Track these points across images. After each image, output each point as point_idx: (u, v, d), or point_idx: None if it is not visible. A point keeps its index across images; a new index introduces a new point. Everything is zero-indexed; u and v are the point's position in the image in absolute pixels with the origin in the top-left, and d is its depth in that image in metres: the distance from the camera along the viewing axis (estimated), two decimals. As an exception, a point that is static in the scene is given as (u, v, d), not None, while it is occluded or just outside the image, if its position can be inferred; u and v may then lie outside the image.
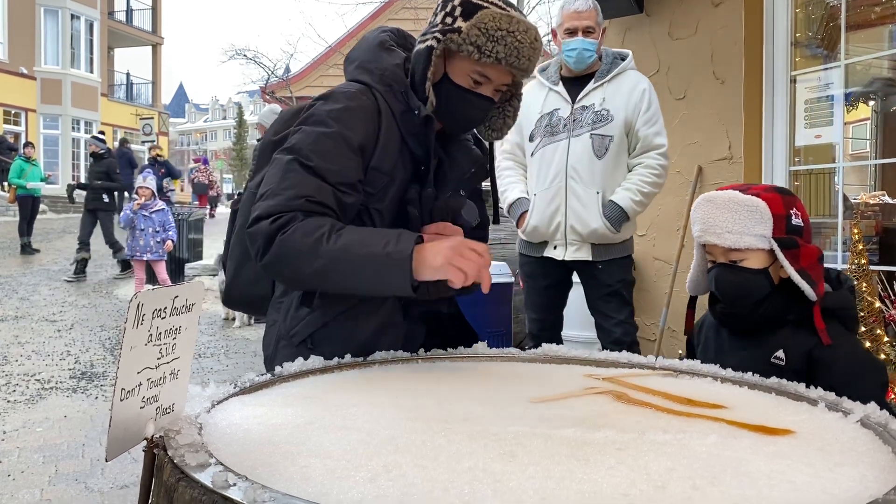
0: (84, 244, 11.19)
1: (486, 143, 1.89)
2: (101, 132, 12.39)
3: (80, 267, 11.18)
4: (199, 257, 11.10)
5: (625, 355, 1.68)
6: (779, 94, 4.33)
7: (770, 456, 1.03)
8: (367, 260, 1.49)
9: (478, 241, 1.57)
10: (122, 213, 8.55)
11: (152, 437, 0.99)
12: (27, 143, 14.88)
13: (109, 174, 11.29)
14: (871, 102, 6.54)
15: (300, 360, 1.54)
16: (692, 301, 2.06)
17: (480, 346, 1.76)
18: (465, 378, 1.51)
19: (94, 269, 12.21)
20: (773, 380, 1.45)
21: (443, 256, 1.48)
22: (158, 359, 0.99)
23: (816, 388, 1.54)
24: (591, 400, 1.35)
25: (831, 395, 1.34)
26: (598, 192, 3.41)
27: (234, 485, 0.84)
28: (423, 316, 1.82)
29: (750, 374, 1.51)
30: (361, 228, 1.59)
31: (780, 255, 1.76)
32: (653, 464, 0.98)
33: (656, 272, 4.93)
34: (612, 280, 3.50)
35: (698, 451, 1.04)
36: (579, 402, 1.33)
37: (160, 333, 0.98)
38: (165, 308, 0.98)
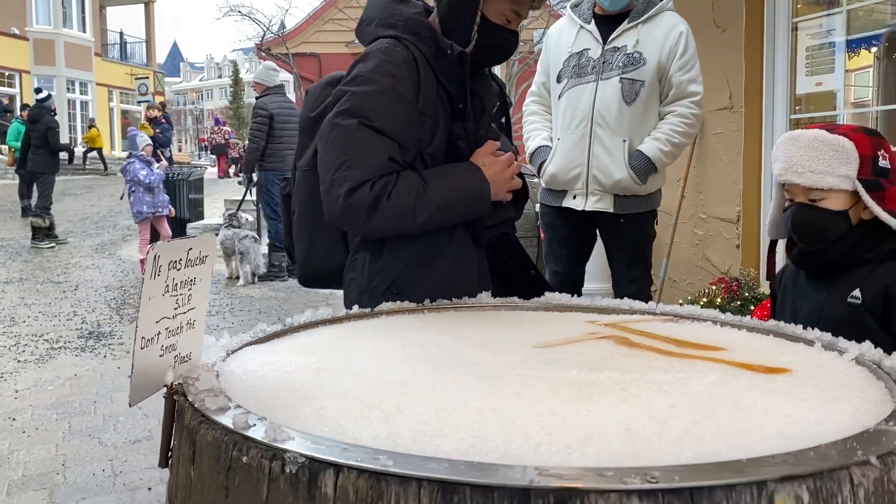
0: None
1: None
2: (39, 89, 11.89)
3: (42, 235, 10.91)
4: (201, 217, 11.12)
5: (626, 302, 1.72)
6: (780, 42, 4.30)
7: (767, 392, 1.07)
8: (460, 200, 1.76)
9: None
10: (152, 173, 8.40)
11: (172, 384, 1.03)
12: (24, 106, 14.79)
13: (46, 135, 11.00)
14: (874, 49, 6.48)
15: (310, 311, 1.57)
16: (772, 245, 2.01)
17: (484, 296, 1.79)
18: (471, 326, 1.54)
19: (96, 230, 12.25)
20: (771, 322, 1.49)
21: (501, 175, 1.80)
22: (175, 309, 1.02)
23: (892, 325, 1.62)
24: (594, 344, 1.38)
25: (827, 336, 1.38)
26: (624, 141, 3.23)
27: (254, 425, 0.87)
28: (494, 241, 1.95)
29: (749, 318, 1.54)
30: (437, 173, 1.78)
31: (866, 196, 1.71)
32: (654, 401, 1.02)
33: (657, 223, 4.94)
34: (633, 236, 3.37)
35: (698, 390, 1.08)
36: (582, 347, 1.36)
37: (176, 284, 1.01)
38: (180, 260, 1.01)
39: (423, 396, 1.04)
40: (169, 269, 0.98)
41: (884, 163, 1.76)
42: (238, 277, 8.13)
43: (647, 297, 3.43)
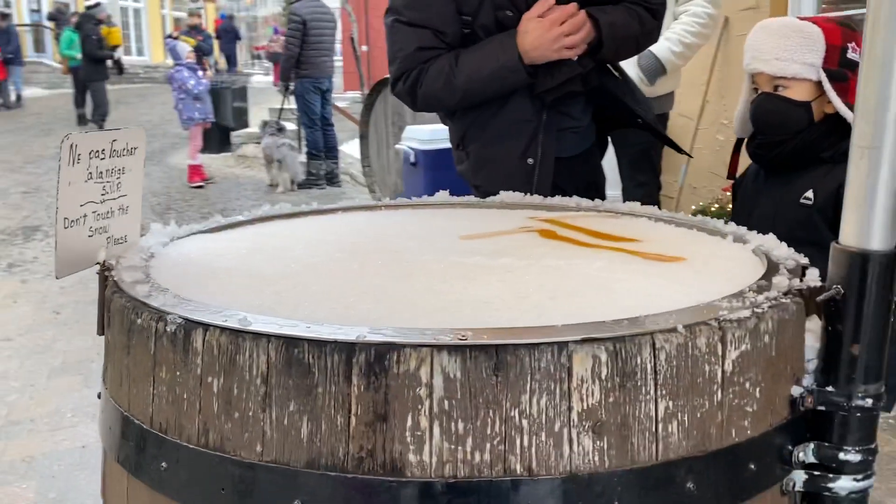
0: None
1: None
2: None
3: None
4: (245, 125, 11.29)
5: (574, 200, 1.78)
6: (810, -63, 4.13)
7: (645, 276, 1.15)
8: (490, 76, 1.88)
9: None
10: (199, 83, 8.55)
11: (105, 262, 1.16)
12: (73, 13, 14.98)
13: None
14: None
15: (267, 205, 1.69)
16: (738, 144, 1.98)
17: (443, 195, 1.88)
18: (413, 220, 1.64)
19: (147, 138, 12.56)
20: (698, 217, 1.55)
21: (544, 39, 1.84)
22: (103, 195, 1.15)
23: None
24: (519, 237, 1.47)
25: (742, 230, 1.43)
26: None
27: (151, 295, 1.00)
28: (558, 102, 2.02)
29: (682, 214, 1.60)
30: (471, 50, 1.90)
31: (828, 86, 1.66)
32: (529, 282, 1.11)
33: (679, 128, 4.89)
34: (641, 139, 3.28)
35: (579, 273, 1.17)
36: (506, 239, 1.45)
37: (101, 172, 1.13)
38: (104, 150, 1.12)
39: (325, 275, 1.16)
40: (90, 158, 1.10)
41: (853, 55, 1.71)
42: (278, 185, 8.34)
43: (654, 202, 3.45)
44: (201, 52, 11.39)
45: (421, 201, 1.86)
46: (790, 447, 0.99)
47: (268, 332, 0.86)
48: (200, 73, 8.82)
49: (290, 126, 8.71)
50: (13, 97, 16.84)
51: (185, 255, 1.27)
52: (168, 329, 0.92)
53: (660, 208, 2.74)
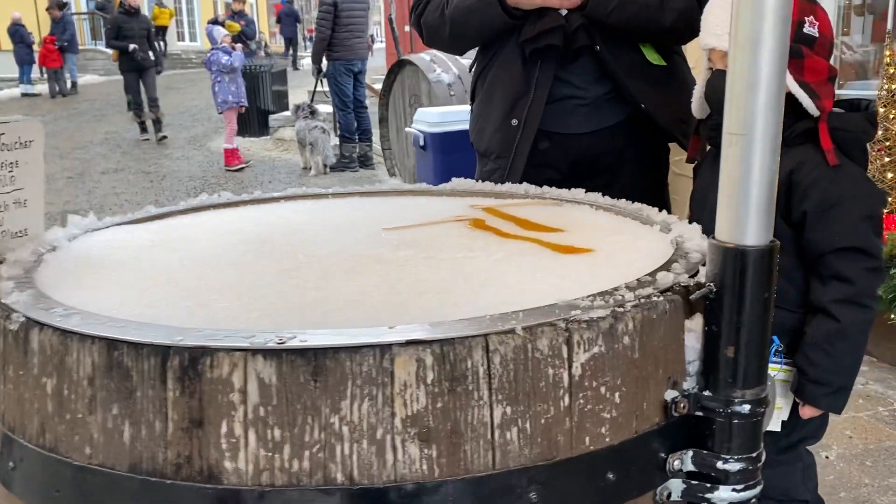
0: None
1: None
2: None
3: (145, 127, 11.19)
4: (285, 108, 11.37)
5: (522, 187, 1.73)
6: None
7: (538, 269, 1.10)
8: (469, 7, 1.95)
9: None
10: (232, 57, 8.63)
11: (-2, 256, 1.16)
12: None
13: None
14: None
15: (204, 195, 1.68)
16: (697, 126, 1.86)
17: (394, 182, 1.84)
18: (347, 210, 1.61)
19: (192, 122, 12.79)
20: (636, 205, 1.48)
21: None
22: (-8, 189, 1.14)
23: (792, 216, 1.51)
24: (444, 228, 1.42)
25: (673, 219, 1.36)
26: None
27: (11, 292, 0.99)
28: (541, 52, 1.97)
29: (624, 201, 1.53)
30: None
31: None
32: (411, 276, 1.07)
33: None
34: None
35: (471, 267, 1.12)
36: (428, 230, 1.41)
37: (-12, 167, 1.12)
38: (-11, 145, 1.12)
39: (208, 269, 1.14)
40: (-28, 154, 1.10)
41: (810, 30, 1.61)
42: (310, 168, 8.39)
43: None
44: (244, 37, 11.48)
45: (372, 189, 1.82)
46: (664, 455, 0.93)
47: (92, 333, 0.84)
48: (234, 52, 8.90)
49: (325, 108, 8.73)
50: (68, 84, 17.31)
51: (86, 249, 1.26)
52: (11, 327, 0.91)
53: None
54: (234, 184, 8.08)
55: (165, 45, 18.02)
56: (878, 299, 1.47)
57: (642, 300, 0.91)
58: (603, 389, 0.87)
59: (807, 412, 1.50)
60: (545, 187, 1.71)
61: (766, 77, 0.85)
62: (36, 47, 17.43)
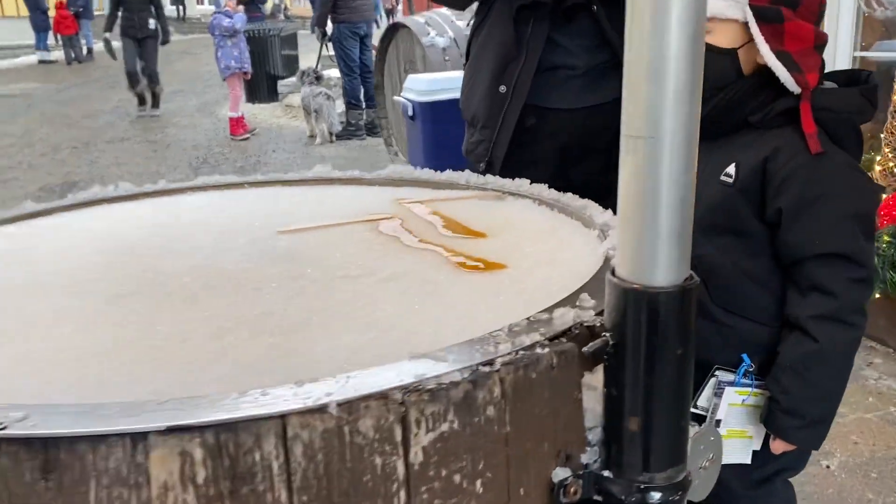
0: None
1: None
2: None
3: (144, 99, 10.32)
4: (295, 73, 11.12)
5: (465, 176, 1.50)
6: None
7: (419, 297, 0.89)
8: None
9: None
10: (233, 20, 8.32)
11: None
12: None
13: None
14: None
15: (111, 187, 1.48)
16: None
17: (323, 169, 1.63)
18: (249, 205, 1.40)
19: (204, 89, 12.60)
20: (582, 202, 1.25)
21: None
22: None
23: (766, 213, 1.27)
24: (348, 231, 1.21)
25: (616, 221, 1.13)
26: None
27: None
28: (531, 9, 1.77)
29: (570, 196, 1.30)
30: None
31: (754, 28, 1.28)
32: (259, 306, 0.87)
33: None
34: None
35: (342, 292, 0.91)
36: (326, 234, 1.20)
37: None
38: None
39: (25, 300, 0.94)
40: None
41: None
42: (315, 136, 8.16)
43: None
44: (253, 1, 11.18)
45: (296, 177, 1.61)
46: (552, 550, 0.72)
47: None
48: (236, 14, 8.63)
49: (332, 74, 8.47)
50: (84, 51, 17.18)
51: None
52: None
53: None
54: (237, 153, 7.90)
55: (185, 8, 17.70)
56: (865, 315, 1.23)
57: (520, 353, 0.69)
58: (457, 478, 0.66)
59: (778, 446, 1.27)
60: (489, 177, 1.48)
61: (676, 57, 0.62)
62: (51, 13, 17.29)
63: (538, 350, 0.70)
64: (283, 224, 1.24)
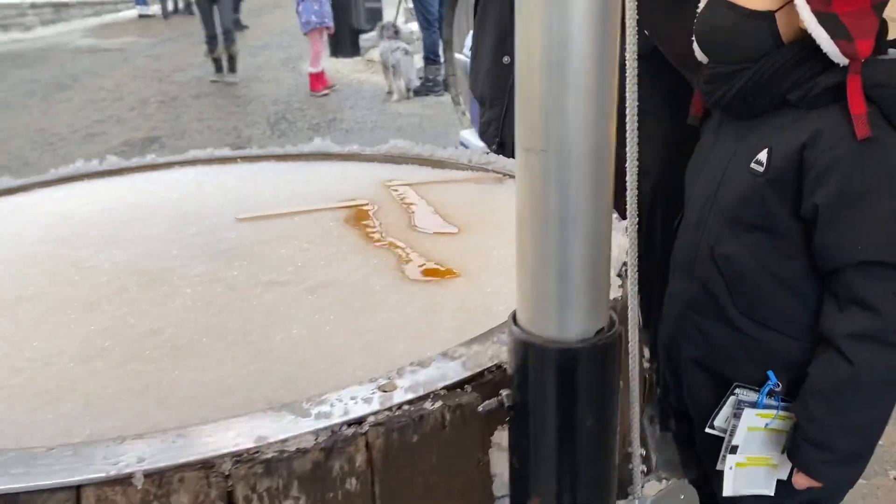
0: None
1: None
2: None
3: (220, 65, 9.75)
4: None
5: (468, 154, 1.36)
6: None
7: (351, 314, 0.77)
8: None
9: None
10: None
11: None
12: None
13: None
14: None
15: (80, 161, 1.40)
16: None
17: (322, 143, 1.51)
18: (226, 185, 1.30)
19: (290, 43, 12.64)
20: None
21: None
22: None
23: (801, 209, 1.06)
24: (312, 221, 1.09)
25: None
26: None
27: None
28: None
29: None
30: None
31: None
32: (158, 318, 0.76)
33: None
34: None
35: (265, 304, 0.79)
36: (284, 222, 1.08)
37: None
38: None
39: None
40: None
41: None
42: (392, 93, 8.04)
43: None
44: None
45: (293, 151, 1.50)
46: None
47: None
48: None
49: (411, 28, 8.31)
50: (180, 4, 17.52)
51: None
52: None
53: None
54: (315, 109, 7.89)
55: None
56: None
57: (402, 409, 0.56)
58: (306, 564, 0.54)
59: (800, 481, 1.08)
60: (491, 155, 1.33)
61: (582, 45, 0.46)
62: (149, -32, 17.68)
63: (426, 405, 0.57)
64: (251, 209, 1.14)
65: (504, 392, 0.55)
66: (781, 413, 1.12)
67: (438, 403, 0.57)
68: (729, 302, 1.15)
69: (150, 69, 11.44)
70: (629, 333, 0.61)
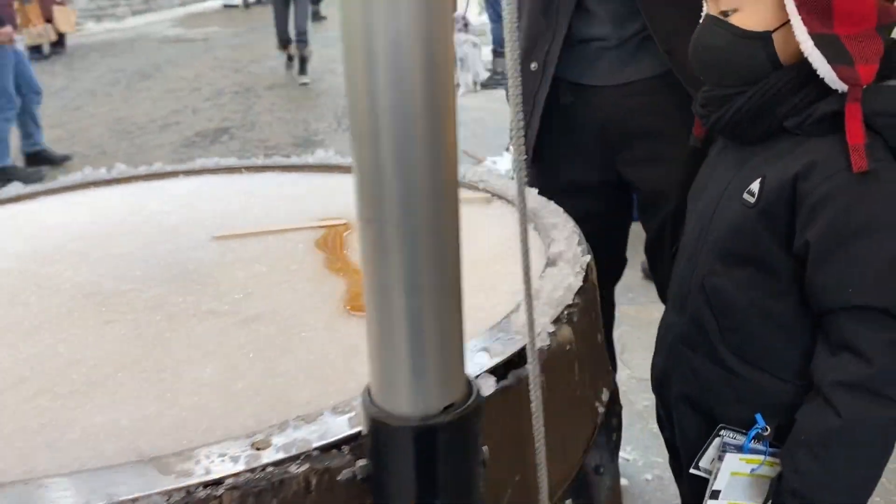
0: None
1: None
2: None
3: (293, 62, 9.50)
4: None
5: (461, 171, 1.32)
6: None
7: (260, 354, 0.75)
8: None
9: None
10: None
11: None
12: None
13: None
14: None
15: (88, 169, 1.43)
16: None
17: (326, 154, 1.50)
18: (225, 196, 1.30)
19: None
20: (560, 218, 1.04)
21: None
22: None
23: (793, 244, 1.00)
24: (284, 240, 1.08)
25: (573, 244, 0.92)
26: None
27: None
28: None
29: (554, 207, 1.10)
30: None
31: (791, 6, 0.99)
32: (83, 345, 0.76)
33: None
34: None
35: (182, 334, 0.78)
36: (257, 242, 1.07)
37: None
38: None
39: None
40: None
41: None
42: (461, 85, 8.02)
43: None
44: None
45: (298, 162, 1.49)
46: None
47: None
48: None
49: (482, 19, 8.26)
50: (263, -5, 17.88)
51: None
52: None
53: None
54: (382, 102, 7.93)
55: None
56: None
57: (259, 473, 0.54)
58: None
59: (783, 534, 1.01)
60: (492, 173, 1.30)
61: (420, 99, 0.43)
62: (234, -41, 18.09)
63: (291, 468, 0.54)
64: (230, 226, 1.13)
65: (359, 462, 0.52)
66: (769, 459, 1.05)
67: (305, 466, 0.55)
68: (719, 339, 1.08)
69: (229, 59, 11.73)
70: (535, 383, 0.57)
